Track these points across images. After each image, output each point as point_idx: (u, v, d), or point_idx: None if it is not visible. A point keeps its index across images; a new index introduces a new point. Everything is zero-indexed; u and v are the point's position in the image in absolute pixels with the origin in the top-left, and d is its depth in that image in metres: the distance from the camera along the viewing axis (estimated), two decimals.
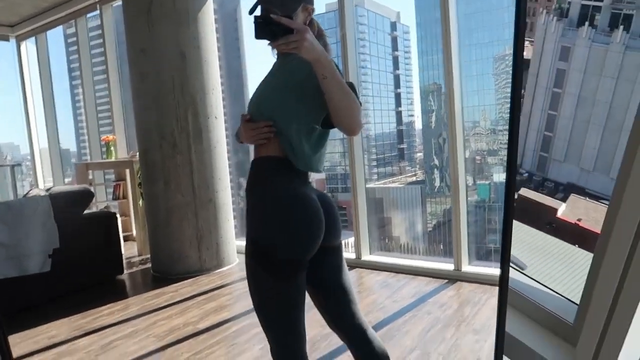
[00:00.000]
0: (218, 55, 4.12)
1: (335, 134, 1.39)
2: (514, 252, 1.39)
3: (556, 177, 1.43)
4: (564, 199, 1.41)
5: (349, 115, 1.23)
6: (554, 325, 1.28)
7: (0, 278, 3.20)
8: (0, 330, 1.24)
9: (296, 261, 1.30)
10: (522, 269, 1.34)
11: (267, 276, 1.31)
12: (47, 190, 3.75)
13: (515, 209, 1.44)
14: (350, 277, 1.53)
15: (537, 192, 1.46)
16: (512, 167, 1.20)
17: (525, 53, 1.56)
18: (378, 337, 1.50)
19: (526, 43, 1.55)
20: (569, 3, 1.38)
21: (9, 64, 6.41)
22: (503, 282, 1.11)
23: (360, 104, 1.29)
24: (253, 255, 1.34)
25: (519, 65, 1.19)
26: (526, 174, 1.53)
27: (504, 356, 1.25)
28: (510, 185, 1.23)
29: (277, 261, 1.29)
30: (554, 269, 1.47)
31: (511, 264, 1.26)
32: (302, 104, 1.29)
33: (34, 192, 3.75)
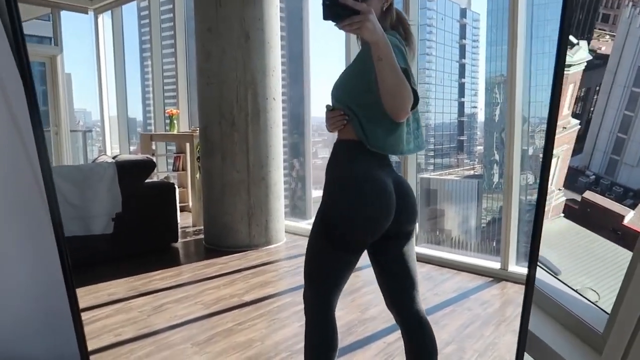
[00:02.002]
0: (281, 36, 4.19)
1: None
2: (567, 258, 1.35)
3: (626, 182, 1.37)
4: (632, 206, 1.35)
5: (397, 99, 1.25)
6: (582, 332, 1.26)
7: (67, 236, 3.47)
8: (70, 283, 1.37)
9: (359, 241, 1.39)
10: (556, 275, 1.31)
11: (330, 247, 1.40)
12: (114, 157, 4.00)
13: (574, 215, 1.39)
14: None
15: (604, 196, 1.41)
16: (546, 165, 1.16)
17: (604, 48, 1.49)
18: (431, 327, 1.54)
19: (606, 37, 1.47)
20: None
21: (87, 35, 6.81)
22: (529, 282, 1.10)
23: (415, 92, 1.31)
24: (322, 223, 1.42)
25: (561, 64, 1.14)
26: (593, 176, 1.47)
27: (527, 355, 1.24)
28: (543, 184, 1.19)
29: (342, 237, 1.38)
30: (614, 278, 1.42)
31: (545, 269, 1.23)
32: (372, 90, 1.31)
33: (102, 158, 4.01)
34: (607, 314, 1.20)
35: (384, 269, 1.51)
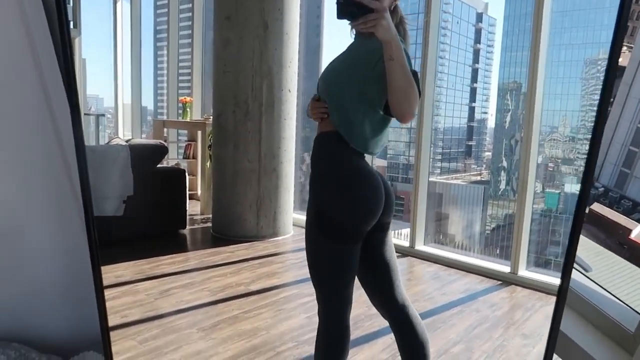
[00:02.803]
0: (299, 29, 4.18)
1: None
2: (579, 255, 1.34)
3: (636, 196, 1.35)
4: None
5: (405, 101, 1.24)
6: (612, 332, 1.24)
7: None
8: (97, 262, 1.38)
9: (357, 232, 1.39)
10: (587, 271, 1.29)
11: (327, 240, 1.40)
12: (127, 141, 4.01)
13: (584, 224, 1.38)
14: (401, 264, 1.56)
15: (612, 209, 1.39)
16: (588, 179, 1.15)
17: (620, 59, 1.47)
18: (419, 317, 1.53)
19: (623, 48, 1.45)
20: None
21: (105, 20, 6.83)
22: (562, 290, 1.08)
23: (420, 93, 1.30)
24: (316, 223, 1.42)
25: (612, 74, 1.12)
26: (602, 188, 1.46)
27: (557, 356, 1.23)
28: (583, 198, 1.18)
29: (338, 230, 1.38)
30: (618, 291, 1.41)
31: (575, 266, 1.22)
32: (369, 86, 1.32)
33: (115, 141, 4.02)
34: (639, 313, 1.18)
35: (363, 260, 1.49)
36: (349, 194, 1.38)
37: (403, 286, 1.55)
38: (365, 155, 1.42)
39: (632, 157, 1.36)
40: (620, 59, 1.46)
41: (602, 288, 1.30)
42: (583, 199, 1.24)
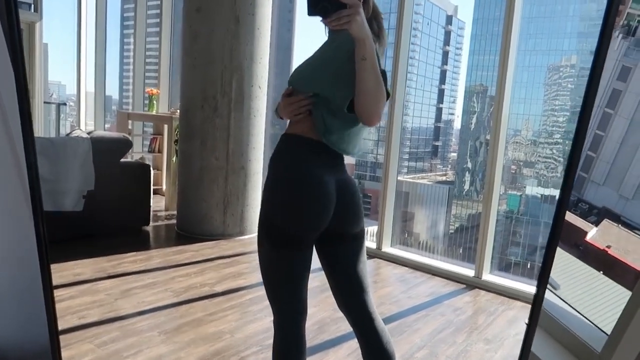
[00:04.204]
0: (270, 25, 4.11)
1: None
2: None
3: (592, 200, 1.39)
4: (596, 223, 1.37)
5: (373, 103, 1.21)
6: (580, 351, 1.26)
7: None
8: (45, 260, 1.29)
9: (296, 236, 1.34)
10: (555, 289, 1.31)
11: (271, 246, 1.36)
12: (89, 133, 3.85)
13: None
14: (368, 266, 1.53)
15: (570, 211, 1.42)
16: (567, 185, 1.16)
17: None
18: (386, 330, 1.51)
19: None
20: (639, 22, 1.31)
21: (69, 4, 6.55)
22: (537, 302, 1.09)
23: (389, 94, 1.27)
24: (261, 225, 1.39)
25: (595, 85, 1.14)
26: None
27: None
28: (562, 204, 1.19)
29: (278, 233, 1.34)
30: (575, 291, 1.44)
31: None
32: (338, 84, 1.27)
33: (76, 132, 3.85)
34: (606, 334, 1.20)
35: (332, 271, 1.47)
36: (287, 201, 1.33)
37: (372, 297, 1.51)
38: (333, 158, 1.37)
39: (590, 162, 1.39)
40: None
41: (570, 306, 1.33)
42: (562, 205, 1.25)
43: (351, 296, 1.47)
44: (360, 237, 1.48)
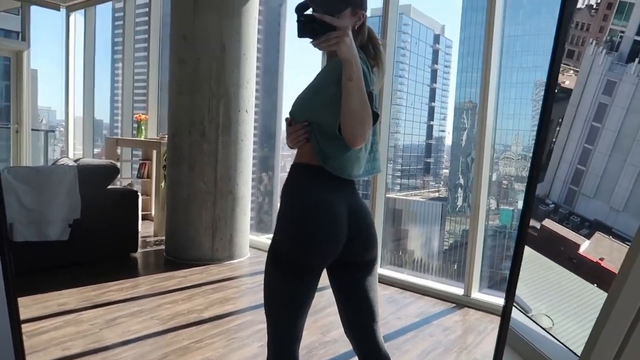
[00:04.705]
0: (257, 48, 4.16)
1: None
2: (524, 290, 1.35)
3: (583, 213, 1.40)
4: (588, 236, 1.38)
5: (357, 124, 1.22)
6: None
7: (20, 240, 3.30)
8: (12, 292, 1.28)
9: (305, 265, 1.34)
10: (527, 313, 1.31)
11: (278, 273, 1.37)
12: (76, 161, 3.85)
13: (533, 242, 1.40)
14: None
15: (562, 225, 1.44)
16: (530, 198, 1.17)
17: (567, 82, 1.53)
18: (390, 358, 1.51)
19: (570, 72, 1.52)
20: (621, 37, 1.35)
21: (57, 32, 6.60)
22: (505, 316, 1.09)
23: (377, 115, 1.29)
24: (271, 251, 1.40)
25: (551, 97, 1.16)
26: (552, 205, 1.50)
27: None
28: (525, 219, 1.20)
29: (287, 262, 1.35)
30: (568, 305, 1.44)
31: (516, 305, 1.23)
32: (329, 107, 1.29)
33: (63, 160, 3.85)
34: (577, 355, 1.20)
35: (343, 298, 1.48)
36: (297, 229, 1.34)
37: (380, 326, 1.51)
38: (341, 183, 1.37)
39: (580, 175, 1.41)
40: (567, 82, 1.52)
41: (541, 327, 1.33)
42: (524, 221, 1.26)
43: (360, 324, 1.48)
44: (373, 263, 1.48)
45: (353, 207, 1.39)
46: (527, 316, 1.33)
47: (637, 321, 0.97)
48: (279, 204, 1.45)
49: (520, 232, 1.27)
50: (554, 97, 1.36)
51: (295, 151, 1.45)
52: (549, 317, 1.40)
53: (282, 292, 1.39)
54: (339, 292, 1.48)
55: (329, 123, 1.29)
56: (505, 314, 1.14)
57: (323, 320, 2.84)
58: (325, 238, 1.34)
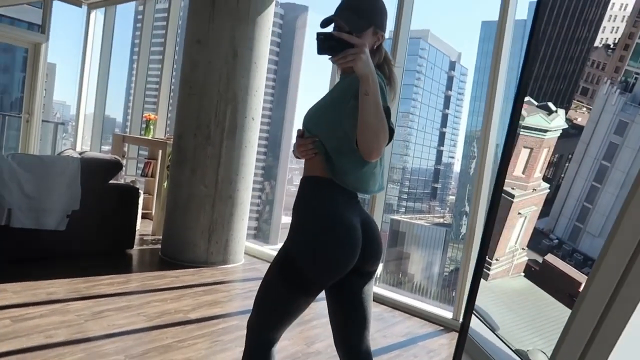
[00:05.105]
0: (273, 61, 4.22)
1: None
2: (521, 317, 1.34)
3: (587, 251, 1.39)
4: None
5: (373, 138, 1.23)
6: None
7: (17, 226, 3.33)
8: None
9: (316, 283, 1.36)
10: (494, 330, 1.30)
11: (283, 282, 1.37)
12: (80, 153, 3.89)
13: (534, 276, 1.39)
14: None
15: (564, 261, 1.43)
16: (491, 218, 1.17)
17: (580, 119, 1.54)
18: None
19: (583, 109, 1.52)
20: (636, 79, 1.35)
21: (77, 28, 6.74)
22: (463, 331, 1.08)
23: (393, 131, 1.30)
24: (280, 264, 1.40)
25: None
26: (556, 240, 1.49)
27: None
28: (486, 240, 1.19)
29: (298, 276, 1.35)
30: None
31: (484, 322, 1.22)
32: (346, 122, 1.30)
33: (67, 152, 3.90)
34: None
35: (339, 306, 1.48)
36: (319, 248, 1.34)
37: (369, 336, 1.52)
38: (352, 197, 1.39)
39: (586, 213, 1.40)
40: (579, 119, 1.53)
41: (510, 348, 1.31)
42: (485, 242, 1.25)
43: (353, 330, 1.48)
44: (374, 273, 1.49)
45: (365, 219, 1.42)
46: (496, 334, 1.31)
47: (595, 333, 0.96)
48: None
49: (483, 239, 1.25)
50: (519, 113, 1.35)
51: (302, 162, 1.47)
52: (544, 353, 1.38)
53: (281, 298, 1.39)
54: (339, 301, 1.48)
55: (345, 137, 1.30)
56: (463, 328, 1.13)
57: (309, 332, 2.82)
58: (344, 262, 1.35)
